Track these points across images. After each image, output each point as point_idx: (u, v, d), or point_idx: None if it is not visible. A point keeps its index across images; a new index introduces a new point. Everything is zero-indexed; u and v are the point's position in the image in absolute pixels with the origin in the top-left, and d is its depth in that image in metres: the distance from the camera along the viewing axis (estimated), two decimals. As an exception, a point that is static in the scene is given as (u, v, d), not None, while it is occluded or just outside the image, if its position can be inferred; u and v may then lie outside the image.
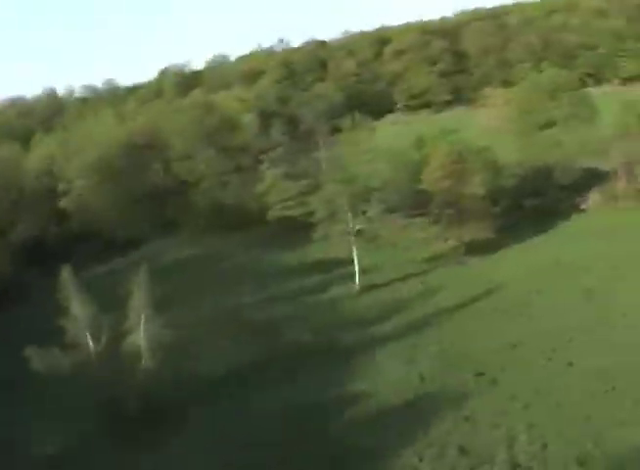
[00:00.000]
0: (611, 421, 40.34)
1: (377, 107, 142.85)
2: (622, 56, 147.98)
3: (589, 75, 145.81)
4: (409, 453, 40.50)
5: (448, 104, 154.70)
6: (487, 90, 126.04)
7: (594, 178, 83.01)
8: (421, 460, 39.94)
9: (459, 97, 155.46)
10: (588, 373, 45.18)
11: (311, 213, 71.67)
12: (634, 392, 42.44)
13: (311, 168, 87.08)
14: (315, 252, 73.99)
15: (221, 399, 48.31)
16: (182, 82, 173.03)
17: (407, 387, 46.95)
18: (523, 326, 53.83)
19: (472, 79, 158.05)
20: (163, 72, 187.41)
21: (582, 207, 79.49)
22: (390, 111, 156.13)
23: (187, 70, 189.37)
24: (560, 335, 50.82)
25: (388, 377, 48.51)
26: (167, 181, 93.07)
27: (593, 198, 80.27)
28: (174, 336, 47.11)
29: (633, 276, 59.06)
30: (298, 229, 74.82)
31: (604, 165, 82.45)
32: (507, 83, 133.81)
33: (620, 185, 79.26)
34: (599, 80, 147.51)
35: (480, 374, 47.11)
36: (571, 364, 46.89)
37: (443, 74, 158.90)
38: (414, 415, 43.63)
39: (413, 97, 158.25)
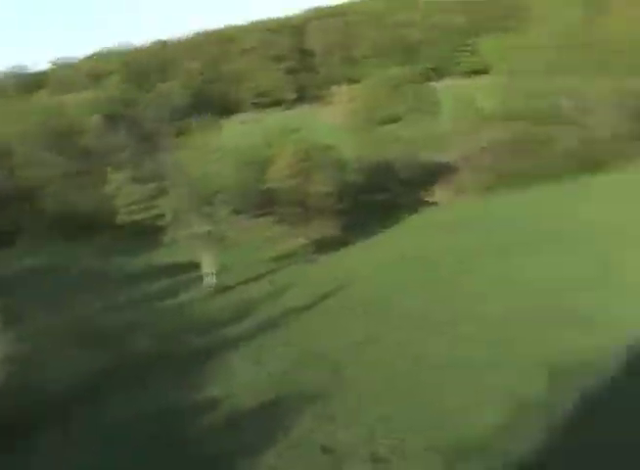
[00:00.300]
0: (460, 407, 41.26)
1: (225, 106, 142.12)
2: (463, 51, 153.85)
3: (432, 70, 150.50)
4: (271, 455, 39.87)
5: (296, 102, 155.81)
6: (334, 88, 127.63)
7: (439, 172, 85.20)
8: (282, 461, 39.39)
9: (306, 95, 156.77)
10: (438, 366, 45.92)
11: (160, 217, 70.17)
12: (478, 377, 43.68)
13: (158, 171, 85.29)
14: (165, 255, 72.50)
15: (70, 411, 46.13)
16: (25, 84, 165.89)
17: (262, 389, 46.28)
18: (372, 322, 54.22)
19: (318, 77, 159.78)
20: (5, 74, 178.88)
21: (428, 200, 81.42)
22: (239, 110, 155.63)
23: (29, 71, 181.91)
24: (410, 330, 51.52)
25: (241, 379, 47.72)
26: (9, 187, 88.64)
27: (438, 191, 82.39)
28: (19, 349, 44.72)
29: (479, 269, 60.86)
30: (148, 233, 73.11)
31: (447, 158, 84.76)
32: (352, 80, 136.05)
33: (464, 178, 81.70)
34: (441, 75, 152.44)
35: (334, 371, 46.99)
36: (420, 358, 47.39)
37: (290, 72, 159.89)
38: (272, 417, 43.04)
39: (261, 95, 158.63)
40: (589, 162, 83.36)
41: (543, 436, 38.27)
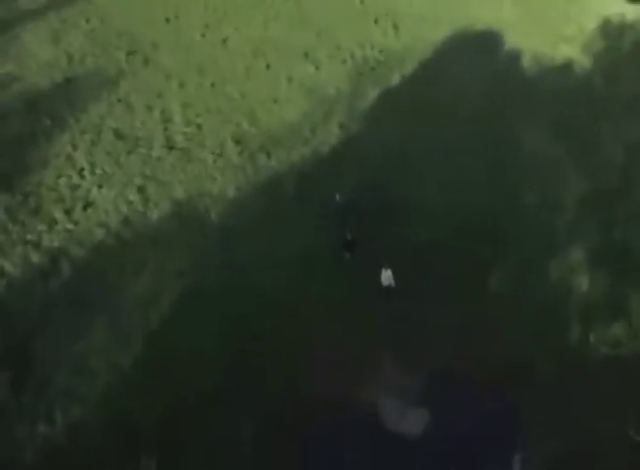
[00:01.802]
0: (265, 98, 41.08)
1: None
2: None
3: None
4: (63, 142, 39.00)
5: None
6: None
7: None
8: (75, 149, 38.67)
9: None
10: (244, 51, 44.70)
11: None
12: (287, 70, 42.99)
13: None
14: None
15: None
16: None
17: (57, 69, 43.85)
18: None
19: None
20: None
21: None
22: None
23: None
24: (214, 10, 49.06)
25: (36, 59, 44.80)
26: None
27: None
28: None
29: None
30: None
31: None
32: None
33: None
34: None
35: (133, 53, 44.86)
36: (225, 41, 45.81)
37: None
38: (65, 99, 41.43)
39: None
40: None
41: (340, 131, 39.22)
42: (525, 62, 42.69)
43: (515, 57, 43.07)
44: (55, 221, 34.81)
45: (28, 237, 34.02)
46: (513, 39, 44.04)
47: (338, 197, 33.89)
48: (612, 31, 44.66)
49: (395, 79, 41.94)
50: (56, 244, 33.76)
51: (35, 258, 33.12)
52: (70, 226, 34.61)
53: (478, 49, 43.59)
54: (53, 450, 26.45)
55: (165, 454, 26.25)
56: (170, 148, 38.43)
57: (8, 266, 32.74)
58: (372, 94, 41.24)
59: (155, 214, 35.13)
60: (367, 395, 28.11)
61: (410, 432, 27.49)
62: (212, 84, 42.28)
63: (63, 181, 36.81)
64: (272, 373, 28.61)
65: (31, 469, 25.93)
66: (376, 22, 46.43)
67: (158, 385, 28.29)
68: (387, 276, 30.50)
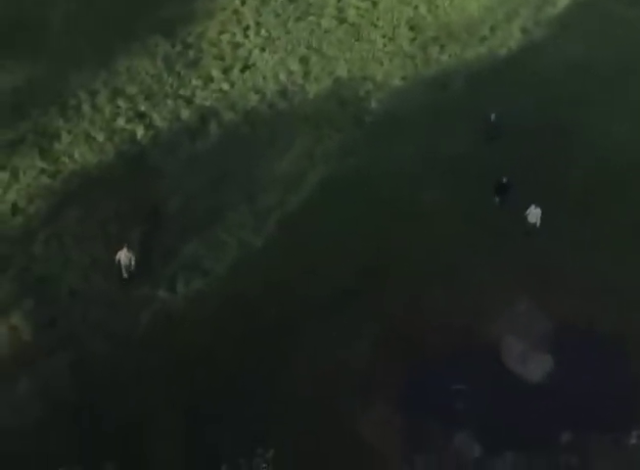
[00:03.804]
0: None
1: None
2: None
3: None
4: None
5: None
6: None
7: None
8: (243, 4, 37.03)
9: None
10: None
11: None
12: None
13: None
14: None
15: None
16: None
17: None
18: None
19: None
20: None
21: None
22: None
23: None
24: None
25: None
26: None
27: None
28: None
29: None
30: None
31: None
32: None
33: None
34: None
35: None
36: None
37: None
38: None
39: None
40: None
41: (522, 36, 36.15)
42: None
43: None
44: (211, 79, 33.75)
45: (182, 92, 33.14)
46: None
47: (493, 116, 31.13)
48: None
49: (593, -12, 38.02)
50: (208, 103, 32.82)
51: (185, 114, 32.34)
52: (226, 87, 33.50)
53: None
54: (167, 317, 26.35)
55: (283, 345, 25.77)
56: (341, 21, 36.31)
57: (157, 119, 32.12)
58: (563, 1, 37.59)
59: (313, 89, 33.58)
60: (494, 328, 26.72)
61: (529, 376, 26.14)
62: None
63: (225, 37, 35.45)
64: (397, 287, 27.34)
65: (145, 334, 25.96)
66: None
67: (285, 273, 27.53)
68: (535, 214, 28.18)
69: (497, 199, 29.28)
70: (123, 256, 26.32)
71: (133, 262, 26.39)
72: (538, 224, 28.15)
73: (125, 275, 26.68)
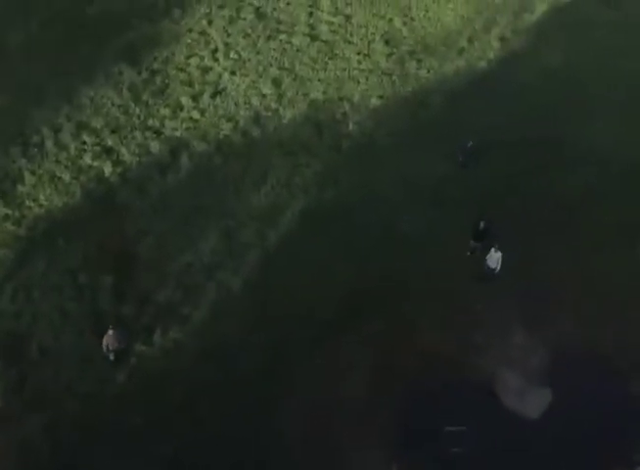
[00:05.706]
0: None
1: None
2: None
3: None
4: (199, 16, 35.84)
5: None
6: None
7: None
8: (210, 24, 35.55)
9: None
10: None
11: None
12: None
13: None
14: None
15: None
16: None
17: None
18: None
19: None
20: None
21: None
22: None
23: None
24: None
25: None
26: None
27: None
28: None
29: None
30: None
31: None
32: None
33: None
34: None
35: None
36: None
37: None
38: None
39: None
40: None
41: (500, 45, 34.93)
42: None
43: None
44: (180, 107, 32.24)
45: (150, 122, 31.58)
46: None
47: (470, 144, 29.73)
48: None
49: (573, -8, 36.84)
50: (178, 133, 31.30)
51: (154, 147, 30.81)
52: (196, 115, 32.00)
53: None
54: (145, 372, 24.96)
55: (265, 393, 24.47)
56: (313, 38, 34.92)
57: (125, 153, 30.57)
58: (541, 7, 36.37)
59: (287, 114, 32.14)
60: (488, 362, 25.54)
61: (528, 412, 24.99)
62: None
63: (193, 61, 33.92)
64: (392, 314, 26.15)
65: (120, 391, 24.55)
66: None
67: (267, 314, 26.20)
68: (495, 258, 26.42)
69: (473, 244, 27.62)
70: (111, 339, 24.06)
71: (124, 346, 24.45)
72: (498, 269, 26.68)
73: (112, 358, 24.58)
